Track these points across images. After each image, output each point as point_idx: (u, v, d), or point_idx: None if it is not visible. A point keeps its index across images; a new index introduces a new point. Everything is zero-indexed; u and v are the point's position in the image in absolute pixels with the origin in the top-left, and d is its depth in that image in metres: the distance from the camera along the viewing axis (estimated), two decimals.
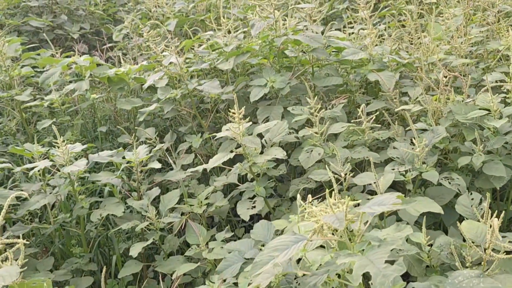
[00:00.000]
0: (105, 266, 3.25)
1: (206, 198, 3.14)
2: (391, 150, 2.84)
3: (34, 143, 3.41)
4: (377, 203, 1.59)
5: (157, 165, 3.06)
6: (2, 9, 6.29)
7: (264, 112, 3.28)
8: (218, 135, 2.85)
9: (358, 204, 1.78)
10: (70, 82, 4.16)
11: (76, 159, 3.38)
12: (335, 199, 1.76)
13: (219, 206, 3.07)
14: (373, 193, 2.74)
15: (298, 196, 2.11)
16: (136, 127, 3.87)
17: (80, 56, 5.48)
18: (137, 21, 6.36)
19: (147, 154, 3.19)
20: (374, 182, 2.47)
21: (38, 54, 5.01)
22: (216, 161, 2.78)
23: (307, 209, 1.89)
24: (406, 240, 2.25)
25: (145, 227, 2.92)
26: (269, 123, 2.94)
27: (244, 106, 3.49)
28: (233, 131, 2.76)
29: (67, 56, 4.82)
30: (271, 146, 2.92)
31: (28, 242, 1.85)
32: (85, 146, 3.07)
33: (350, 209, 1.59)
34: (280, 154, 2.67)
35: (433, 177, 2.58)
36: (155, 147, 3.65)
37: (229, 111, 3.71)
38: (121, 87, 4.17)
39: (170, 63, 3.48)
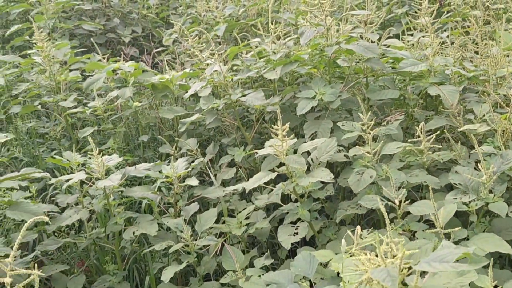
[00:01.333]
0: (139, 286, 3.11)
1: (246, 218, 2.91)
2: (453, 175, 2.51)
3: (73, 151, 3.29)
4: (438, 258, 1.30)
5: (195, 182, 2.86)
6: (56, 12, 6.29)
7: (312, 127, 3.02)
8: (260, 152, 2.61)
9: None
10: (115, 88, 4.04)
11: (116, 168, 3.24)
12: (388, 240, 1.48)
13: (260, 228, 2.84)
14: (431, 224, 2.43)
15: (348, 232, 1.84)
16: (177, 138, 3.69)
17: (128, 60, 5.41)
18: (186, 25, 6.25)
19: (186, 169, 3.00)
20: (433, 213, 2.17)
21: (88, 58, 4.96)
22: (256, 181, 2.54)
23: (355, 246, 1.63)
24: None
25: (180, 248, 2.72)
26: (316, 141, 2.68)
27: (290, 119, 3.27)
28: (276, 149, 2.52)
29: (114, 61, 4.73)
30: (318, 165, 2.66)
31: (43, 274, 1.68)
32: (120, 159, 2.91)
33: (405, 261, 1.32)
34: (327, 177, 2.40)
35: (502, 209, 2.24)
36: (195, 159, 3.46)
37: (274, 124, 3.49)
38: (165, 94, 4.01)
39: (214, 71, 3.28)
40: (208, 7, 5.54)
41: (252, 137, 3.46)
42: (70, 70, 4.84)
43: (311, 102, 3.01)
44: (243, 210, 3.00)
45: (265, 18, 5.18)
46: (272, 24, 3.63)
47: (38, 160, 4.19)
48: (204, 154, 3.57)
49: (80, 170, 3.07)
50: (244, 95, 3.25)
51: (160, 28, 7.68)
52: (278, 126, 2.49)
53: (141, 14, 7.40)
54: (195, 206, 3.06)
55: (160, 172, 2.98)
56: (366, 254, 1.51)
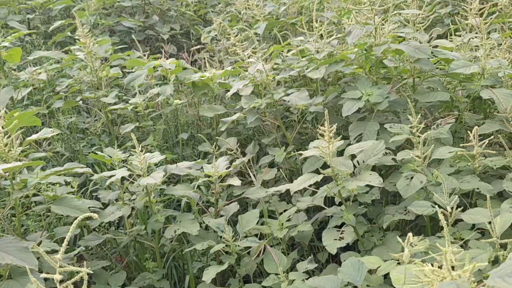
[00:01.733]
0: (177, 284, 3.08)
1: (287, 220, 2.85)
2: (508, 182, 2.40)
3: (115, 147, 3.29)
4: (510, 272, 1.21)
5: (237, 182, 2.82)
6: (97, 8, 6.36)
7: (357, 129, 2.94)
8: (305, 153, 2.55)
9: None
10: (156, 85, 4.03)
11: (156, 165, 3.22)
12: (448, 249, 1.40)
13: (302, 231, 2.77)
14: (484, 232, 2.32)
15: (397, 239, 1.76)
16: (217, 137, 3.65)
17: (168, 58, 5.42)
18: (226, 23, 6.23)
19: (226, 168, 2.96)
20: (489, 222, 2.07)
21: (128, 55, 4.98)
22: (301, 183, 2.48)
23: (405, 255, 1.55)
24: None
25: (221, 249, 2.68)
26: (364, 143, 2.59)
27: (333, 120, 3.20)
28: (322, 151, 2.45)
29: (154, 58, 4.73)
30: (364, 168, 2.58)
31: (92, 272, 1.65)
32: (163, 157, 2.88)
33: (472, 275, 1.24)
34: (376, 181, 2.32)
35: None
36: (236, 159, 3.42)
37: (317, 125, 3.41)
38: (205, 92, 3.99)
39: (256, 70, 3.23)
40: (248, 5, 5.50)
41: (293, 138, 3.39)
42: (111, 67, 4.88)
43: (357, 103, 2.93)
44: (284, 211, 2.94)
45: (306, 16, 5.11)
46: (315, 22, 3.56)
47: (79, 155, 4.22)
48: (243, 154, 3.53)
49: (122, 167, 3.07)
50: (287, 95, 3.19)
51: (198, 25, 7.69)
52: (324, 126, 2.42)
53: (179, 12, 7.41)
54: (235, 206, 3.02)
55: (201, 170, 2.94)
56: (425, 264, 1.44)
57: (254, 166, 3.47)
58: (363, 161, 2.61)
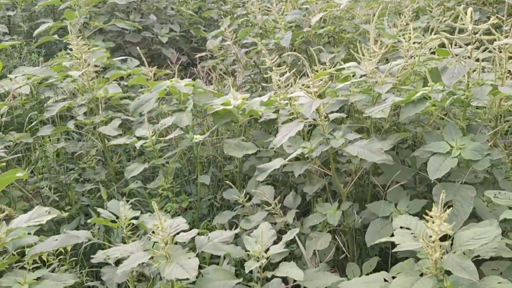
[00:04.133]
0: None
1: None
2: None
3: (123, 202, 2.53)
4: None
5: (296, 273, 2.06)
6: (87, 5, 5.48)
7: (446, 193, 2.22)
8: (400, 247, 1.82)
9: None
10: (169, 112, 3.26)
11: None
12: None
13: None
14: None
15: None
16: (241, 173, 2.91)
17: (175, 67, 4.63)
18: (234, 28, 5.44)
19: (274, 242, 2.22)
20: None
21: (125, 61, 4.24)
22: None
23: None
24: None
25: None
26: (475, 230, 1.88)
27: (401, 172, 2.50)
28: (426, 247, 1.73)
29: (165, 75, 3.96)
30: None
31: None
32: (194, 232, 2.12)
33: None
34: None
35: None
36: (273, 215, 2.69)
37: (379, 176, 2.70)
38: (227, 121, 3.23)
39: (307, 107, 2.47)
40: (266, 10, 4.72)
41: (347, 192, 2.66)
42: (107, 79, 4.10)
43: (446, 160, 2.21)
44: None
45: (336, 26, 4.37)
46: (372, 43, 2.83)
47: (69, 192, 3.44)
48: (281, 205, 2.79)
49: (131, 229, 2.34)
50: (348, 141, 2.45)
51: (198, 25, 6.89)
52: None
53: (178, 10, 6.60)
54: (277, 284, 2.29)
55: (242, 246, 2.20)
56: None
57: (296, 224, 2.74)
58: (470, 250, 1.90)
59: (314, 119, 2.49)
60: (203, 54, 5.33)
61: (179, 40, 6.62)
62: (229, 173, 3.39)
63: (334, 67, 3.79)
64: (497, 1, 5.40)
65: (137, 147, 2.93)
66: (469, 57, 2.20)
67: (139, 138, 3.08)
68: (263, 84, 4.76)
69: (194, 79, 5.48)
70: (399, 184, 2.54)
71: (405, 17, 4.42)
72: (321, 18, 4.23)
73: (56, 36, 4.86)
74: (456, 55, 2.17)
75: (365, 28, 4.10)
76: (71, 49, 3.44)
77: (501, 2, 5.32)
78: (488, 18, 5.19)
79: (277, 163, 2.62)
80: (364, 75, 2.86)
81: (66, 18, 4.96)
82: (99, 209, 2.52)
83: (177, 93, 3.29)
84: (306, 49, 4.52)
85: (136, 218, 2.45)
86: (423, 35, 4.58)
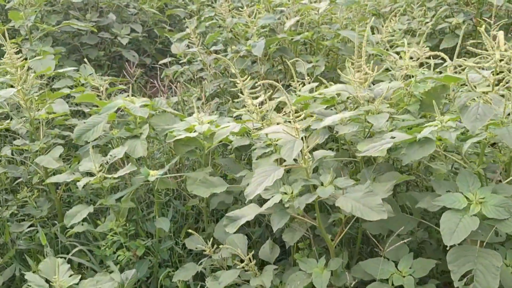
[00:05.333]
0: None
1: None
2: None
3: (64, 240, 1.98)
4: None
5: None
6: (34, 5, 4.81)
7: (463, 261, 1.75)
8: None
9: None
10: (119, 140, 2.72)
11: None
12: None
13: None
14: None
15: None
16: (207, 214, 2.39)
17: (133, 77, 4.08)
18: (202, 29, 4.90)
19: None
20: None
21: (77, 70, 3.69)
22: None
23: None
24: None
25: None
26: None
27: (402, 219, 2.03)
28: None
29: (125, 83, 3.41)
30: None
31: None
32: None
33: None
34: None
35: None
36: (245, 272, 2.19)
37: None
38: (191, 149, 2.71)
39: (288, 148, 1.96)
40: (236, 13, 4.18)
41: (335, 247, 2.17)
42: (53, 90, 3.53)
43: (464, 219, 1.74)
44: None
45: (314, 32, 3.87)
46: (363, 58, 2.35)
47: (4, 230, 2.86)
48: (255, 258, 2.29)
49: None
50: (339, 188, 1.96)
51: (163, 24, 6.29)
52: None
53: (140, 9, 5.98)
54: None
55: None
56: None
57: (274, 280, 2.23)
58: None
59: (295, 159, 1.99)
60: (167, 60, 4.76)
61: (142, 40, 6.02)
62: (194, 208, 2.88)
63: (314, 80, 3.32)
64: (480, 1, 4.98)
65: (80, 187, 2.36)
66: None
67: (84, 174, 2.51)
68: (233, 94, 4.24)
69: (154, 92, 4.94)
70: (396, 234, 2.07)
71: (390, 21, 3.97)
72: (298, 21, 3.73)
73: None
74: (474, 87, 1.69)
75: (346, 36, 3.61)
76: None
77: (484, 2, 4.90)
78: (471, 20, 4.79)
79: (250, 212, 2.10)
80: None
81: (12, 19, 4.33)
82: (27, 275, 1.96)
83: (131, 114, 2.74)
84: (281, 57, 4.01)
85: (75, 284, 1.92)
86: (403, 37, 4.15)
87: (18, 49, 3.21)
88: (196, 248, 2.39)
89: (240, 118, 3.03)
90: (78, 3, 5.45)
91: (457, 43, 4.91)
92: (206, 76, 4.37)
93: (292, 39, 3.78)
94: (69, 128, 3.36)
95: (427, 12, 4.96)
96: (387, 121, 2.22)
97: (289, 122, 2.00)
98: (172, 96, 4.41)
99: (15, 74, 2.75)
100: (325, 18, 4.10)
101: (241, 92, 2.46)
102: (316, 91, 3.17)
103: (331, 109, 2.72)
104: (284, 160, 1.98)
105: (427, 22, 4.77)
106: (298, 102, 2.45)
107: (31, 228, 2.77)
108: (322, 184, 1.98)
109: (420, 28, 4.72)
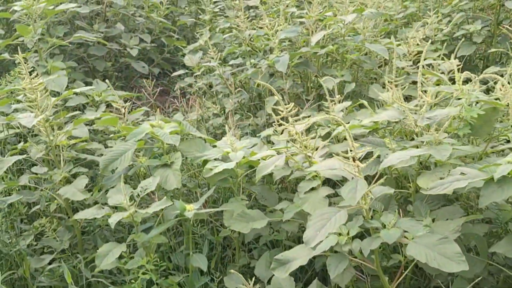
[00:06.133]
0: None
1: None
2: None
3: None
4: None
5: None
6: (43, 18, 4.57)
7: None
8: None
9: None
10: (148, 171, 2.52)
11: None
12: None
13: None
14: None
15: None
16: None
17: (152, 93, 3.88)
18: (215, 41, 4.70)
19: None
20: None
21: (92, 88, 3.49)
22: None
23: None
24: None
25: None
26: None
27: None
28: None
29: (139, 101, 3.23)
30: None
31: None
32: None
33: None
34: None
35: None
36: None
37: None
38: (225, 178, 2.52)
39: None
40: (255, 24, 3.99)
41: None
42: (67, 110, 3.35)
43: None
44: None
45: (339, 45, 3.69)
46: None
47: (23, 261, 2.66)
48: None
49: None
50: (405, 232, 1.77)
51: (170, 33, 6.08)
52: None
53: (148, 17, 5.77)
54: None
55: None
56: None
57: None
58: None
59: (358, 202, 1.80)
60: (180, 72, 4.56)
61: (150, 50, 5.82)
62: (226, 238, 2.69)
63: (344, 98, 3.14)
64: (492, 6, 4.81)
65: (112, 225, 2.16)
66: None
67: (113, 208, 2.32)
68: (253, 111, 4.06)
69: (162, 101, 4.72)
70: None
71: (417, 31, 3.81)
72: (325, 37, 3.55)
73: (6, 55, 4.01)
74: None
75: (374, 51, 3.44)
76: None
77: (503, 9, 4.73)
78: (488, 27, 4.62)
79: (302, 255, 1.92)
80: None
81: (20, 34, 4.11)
82: None
83: (160, 140, 2.55)
84: (304, 71, 3.83)
85: None
86: (417, 44, 3.97)
87: (31, 68, 3.02)
88: None
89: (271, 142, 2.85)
90: (84, 13, 5.23)
91: (474, 51, 4.76)
92: (222, 89, 4.18)
93: (316, 53, 3.60)
94: (88, 150, 3.16)
95: (441, 19, 4.80)
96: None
97: (347, 158, 1.81)
98: (184, 109, 4.22)
99: (34, 100, 2.55)
100: (347, 28, 3.93)
101: (283, 119, 2.28)
102: (347, 109, 3.02)
103: (373, 134, 2.55)
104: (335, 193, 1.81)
105: (443, 29, 4.61)
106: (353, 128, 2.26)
107: (53, 265, 2.57)
108: (384, 226, 1.80)
109: (436, 35, 4.56)
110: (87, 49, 5.17)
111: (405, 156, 1.84)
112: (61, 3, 3.98)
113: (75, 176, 2.68)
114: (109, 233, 2.82)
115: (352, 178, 1.77)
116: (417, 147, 2.08)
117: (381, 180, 1.79)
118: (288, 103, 3.74)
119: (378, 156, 2.09)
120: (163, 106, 5.04)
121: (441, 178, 1.91)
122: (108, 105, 3.61)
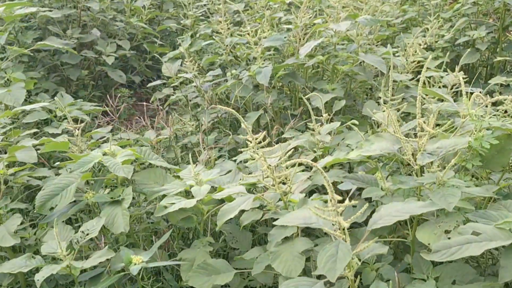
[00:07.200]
0: None
1: None
2: None
3: None
4: None
5: None
6: (11, 21, 4.14)
7: None
8: None
9: None
10: (93, 209, 2.10)
11: None
12: None
13: None
14: None
15: None
16: None
17: (117, 108, 3.46)
18: (197, 47, 4.28)
19: None
20: None
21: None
22: None
23: None
24: None
25: None
26: None
27: None
28: None
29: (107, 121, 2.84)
30: None
31: None
32: None
33: None
34: None
35: None
36: None
37: None
38: (187, 216, 2.10)
39: None
40: (237, 29, 3.56)
41: None
42: (21, 127, 2.96)
43: None
44: None
45: (329, 55, 3.26)
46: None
47: None
48: None
49: None
50: None
51: (153, 39, 5.65)
52: None
53: (127, 23, 5.34)
54: None
55: None
56: None
57: None
58: None
59: None
60: (157, 82, 4.14)
61: (130, 57, 5.38)
62: None
63: (334, 114, 2.73)
64: (497, 11, 4.39)
65: (37, 283, 1.73)
66: None
67: (45, 257, 1.89)
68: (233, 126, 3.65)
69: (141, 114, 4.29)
70: None
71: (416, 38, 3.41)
72: (315, 47, 3.12)
73: None
74: None
75: (369, 63, 3.01)
76: None
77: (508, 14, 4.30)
78: (492, 32, 4.21)
79: None
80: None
81: None
82: None
83: (110, 172, 2.13)
84: (290, 82, 3.41)
85: None
86: (416, 52, 3.56)
87: None
88: None
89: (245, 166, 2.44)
90: (58, 17, 4.80)
91: (478, 59, 4.33)
92: (201, 101, 3.76)
93: (304, 64, 3.18)
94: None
95: (442, 24, 4.38)
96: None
97: (326, 210, 1.39)
98: (161, 123, 3.80)
99: None
100: (339, 35, 3.51)
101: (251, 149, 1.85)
102: (336, 130, 2.60)
103: (364, 171, 2.13)
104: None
105: (444, 36, 4.21)
106: (329, 164, 1.84)
107: None
108: None
109: (437, 42, 4.16)
110: (60, 57, 4.75)
111: (402, 214, 1.41)
112: (21, 8, 3.55)
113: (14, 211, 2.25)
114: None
115: (334, 238, 1.35)
116: (417, 189, 1.65)
117: (372, 242, 1.37)
118: (272, 119, 3.36)
119: (369, 199, 1.67)
120: (142, 118, 4.61)
121: (446, 231, 1.49)
122: (76, 120, 3.20)
